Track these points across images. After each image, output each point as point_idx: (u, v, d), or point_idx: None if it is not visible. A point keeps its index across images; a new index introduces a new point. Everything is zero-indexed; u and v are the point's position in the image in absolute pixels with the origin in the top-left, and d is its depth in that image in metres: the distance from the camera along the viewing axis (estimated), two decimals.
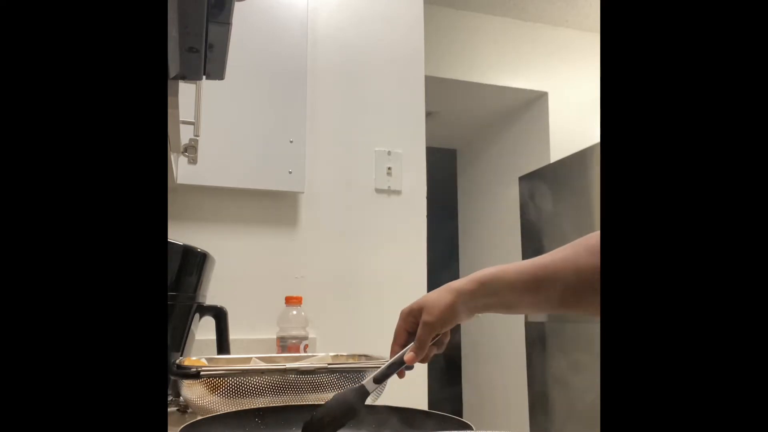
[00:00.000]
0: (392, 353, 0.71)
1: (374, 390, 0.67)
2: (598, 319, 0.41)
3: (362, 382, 0.67)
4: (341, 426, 0.63)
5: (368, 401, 0.81)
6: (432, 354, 0.71)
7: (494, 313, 0.71)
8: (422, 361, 0.69)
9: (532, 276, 0.66)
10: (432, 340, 0.68)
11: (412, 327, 0.70)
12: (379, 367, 0.68)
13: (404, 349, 0.69)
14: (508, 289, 0.67)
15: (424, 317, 0.68)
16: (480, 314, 0.70)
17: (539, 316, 2.45)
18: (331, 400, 0.65)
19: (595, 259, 0.63)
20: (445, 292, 0.68)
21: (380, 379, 0.67)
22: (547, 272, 0.66)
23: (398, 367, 0.68)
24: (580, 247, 0.65)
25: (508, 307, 0.70)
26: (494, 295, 0.68)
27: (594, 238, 0.65)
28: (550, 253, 0.67)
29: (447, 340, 0.72)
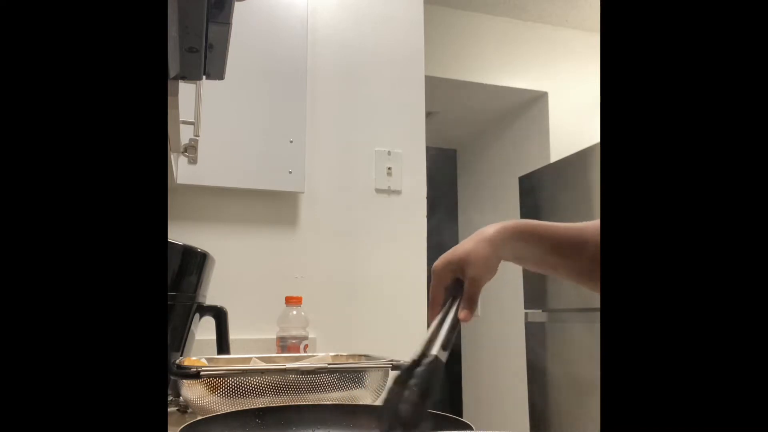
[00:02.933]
0: (432, 315, 0.66)
1: (446, 358, 0.61)
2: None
3: (433, 353, 0.61)
4: (427, 415, 0.58)
5: (368, 401, 0.81)
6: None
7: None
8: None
9: (567, 236, 0.64)
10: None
11: (450, 280, 0.66)
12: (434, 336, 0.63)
13: (451, 310, 0.64)
14: (540, 244, 0.65)
15: (471, 272, 0.64)
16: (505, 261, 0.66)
17: (539, 316, 2.45)
18: (405, 379, 0.58)
19: None
20: (482, 243, 0.65)
21: (447, 346, 0.62)
22: (583, 236, 0.63)
23: (456, 328, 0.64)
24: None
25: (534, 263, 0.67)
26: (524, 247, 0.65)
27: None
28: (589, 222, 0.65)
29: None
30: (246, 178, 1.52)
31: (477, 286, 0.64)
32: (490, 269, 0.65)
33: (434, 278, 0.67)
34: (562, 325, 2.34)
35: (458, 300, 0.65)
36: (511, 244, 0.65)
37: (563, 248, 0.64)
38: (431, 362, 0.60)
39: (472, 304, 0.64)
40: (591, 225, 0.65)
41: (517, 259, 0.67)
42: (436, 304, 0.67)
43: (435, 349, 0.61)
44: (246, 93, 1.54)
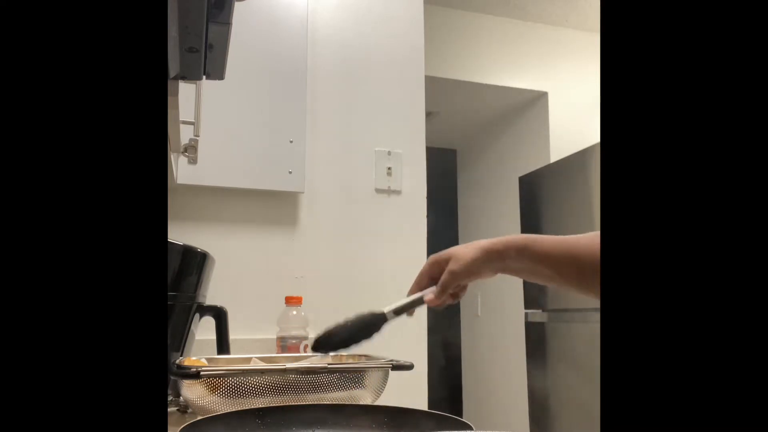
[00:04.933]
0: (411, 293, 0.76)
1: (392, 319, 0.73)
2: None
3: (383, 310, 0.72)
4: (354, 344, 0.70)
5: (368, 401, 0.81)
6: (447, 303, 0.74)
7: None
8: (437, 306, 0.74)
9: (564, 251, 0.67)
10: (452, 289, 0.72)
11: (436, 274, 0.74)
12: (399, 304, 0.74)
13: (425, 290, 0.73)
14: (537, 259, 0.69)
15: (451, 266, 0.71)
16: (501, 273, 0.73)
17: (539, 316, 2.45)
18: (350, 319, 0.70)
19: None
20: (474, 248, 0.71)
21: (399, 312, 0.73)
22: (579, 249, 0.67)
23: (417, 304, 0.73)
24: None
25: (531, 274, 0.72)
26: (521, 261, 0.70)
27: None
28: (586, 234, 0.69)
29: (464, 294, 0.76)
30: (246, 178, 1.52)
31: (451, 278, 0.71)
32: (471, 270, 0.70)
33: (425, 265, 0.76)
34: (562, 325, 2.34)
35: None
36: (504, 255, 0.70)
37: (556, 261, 0.68)
38: (375, 314, 0.72)
39: (441, 293, 0.72)
40: (585, 237, 0.69)
41: (511, 270, 0.72)
42: (416, 285, 0.76)
43: (386, 309, 0.73)
44: (246, 93, 1.54)
